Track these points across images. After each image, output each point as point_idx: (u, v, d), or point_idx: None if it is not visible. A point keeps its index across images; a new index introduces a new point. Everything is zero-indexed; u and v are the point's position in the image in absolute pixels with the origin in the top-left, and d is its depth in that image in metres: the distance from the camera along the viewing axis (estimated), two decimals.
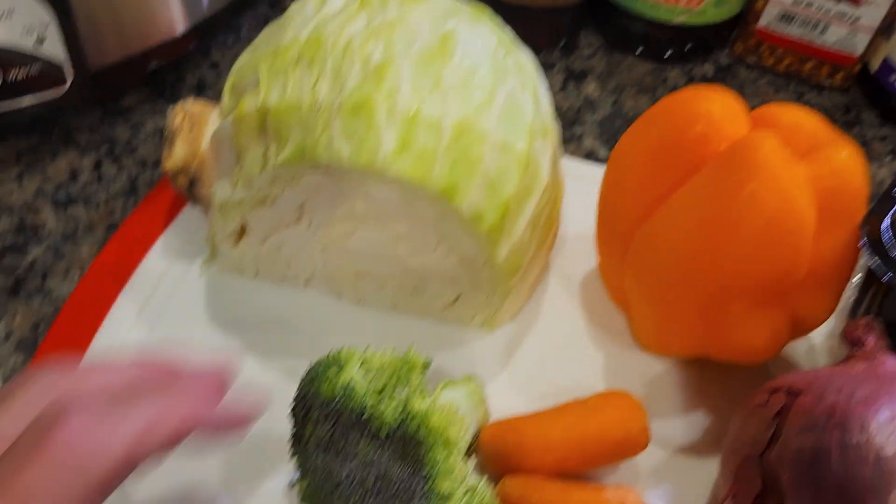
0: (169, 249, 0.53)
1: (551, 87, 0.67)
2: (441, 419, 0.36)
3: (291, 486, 0.40)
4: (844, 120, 0.66)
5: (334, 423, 0.37)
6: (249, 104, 0.44)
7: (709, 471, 0.44)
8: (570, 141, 0.63)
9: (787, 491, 0.35)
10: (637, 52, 0.70)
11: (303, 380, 0.39)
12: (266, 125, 0.43)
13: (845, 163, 0.43)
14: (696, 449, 0.45)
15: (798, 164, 0.43)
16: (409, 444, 0.36)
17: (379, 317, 0.50)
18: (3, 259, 0.55)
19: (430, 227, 0.44)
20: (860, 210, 0.43)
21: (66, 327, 0.49)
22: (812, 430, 0.36)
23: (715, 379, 0.48)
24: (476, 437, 0.43)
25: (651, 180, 0.44)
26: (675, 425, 0.46)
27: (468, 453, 0.41)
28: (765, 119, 0.45)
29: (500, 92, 0.44)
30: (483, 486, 0.38)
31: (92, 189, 0.59)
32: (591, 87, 0.67)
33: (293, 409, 0.39)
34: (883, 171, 0.63)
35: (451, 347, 0.49)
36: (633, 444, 0.43)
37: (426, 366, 0.38)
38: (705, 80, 0.69)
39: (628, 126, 0.47)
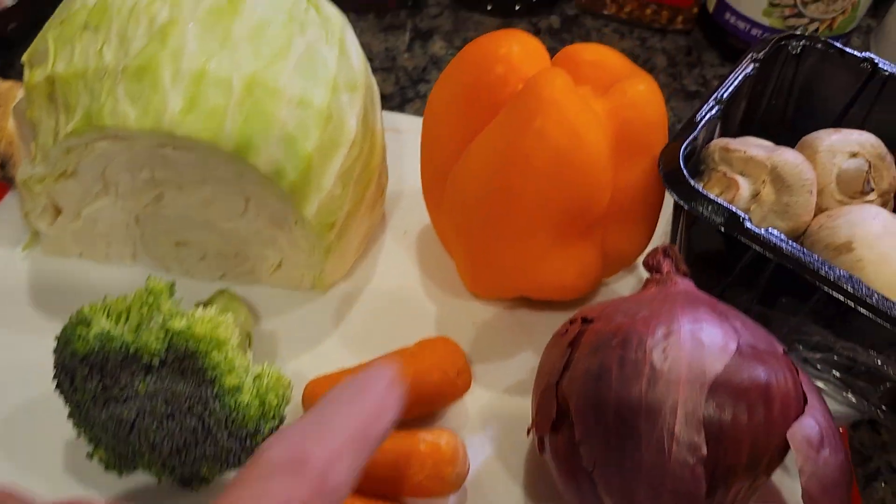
0: None
1: (398, 48, 0.67)
2: (204, 325, 0.37)
3: (90, 456, 0.39)
4: (687, 61, 0.68)
5: (101, 375, 0.37)
6: (38, 74, 0.43)
7: None
8: (415, 98, 0.63)
9: (574, 415, 0.36)
10: (488, 9, 0.70)
11: (56, 350, 0.38)
12: (55, 95, 0.42)
13: (642, 94, 0.43)
14: (523, 389, 0.46)
15: (597, 99, 0.43)
16: (183, 360, 0.36)
17: (211, 289, 0.49)
18: None
19: (232, 188, 0.43)
20: (660, 142, 0.44)
21: None
22: (598, 350, 0.36)
23: (541, 321, 0.49)
24: (251, 338, 0.44)
25: (460, 124, 0.45)
26: (503, 368, 0.47)
27: (245, 348, 0.42)
28: (568, 58, 0.45)
29: (297, 45, 0.43)
30: (269, 368, 0.39)
31: None
32: (437, 46, 0.67)
33: (58, 384, 0.38)
34: None
35: (283, 312, 0.49)
36: (452, 386, 0.43)
37: (171, 288, 0.38)
38: (552, 31, 0.69)
39: None
